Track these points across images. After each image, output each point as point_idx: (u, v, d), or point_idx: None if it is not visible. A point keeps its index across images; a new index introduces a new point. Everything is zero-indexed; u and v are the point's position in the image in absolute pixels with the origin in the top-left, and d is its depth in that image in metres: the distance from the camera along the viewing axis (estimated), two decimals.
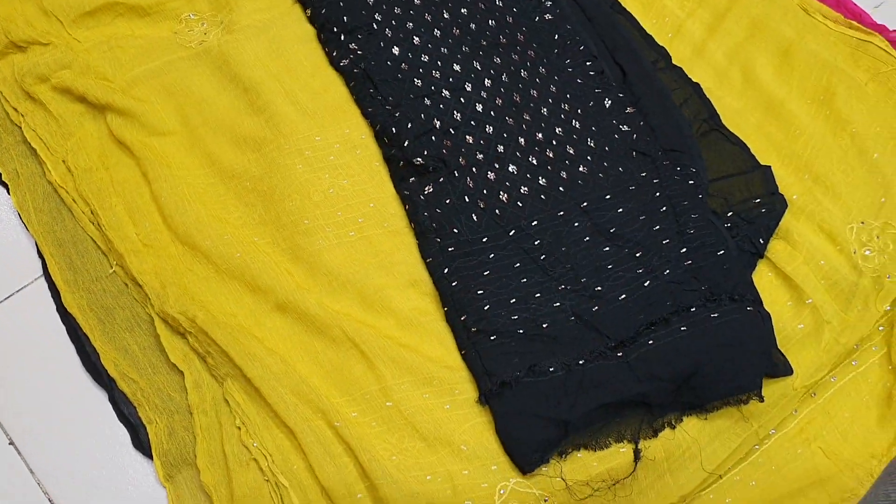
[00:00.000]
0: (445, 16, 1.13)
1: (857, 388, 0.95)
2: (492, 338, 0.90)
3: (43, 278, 1.01)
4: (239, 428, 0.88)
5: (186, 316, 0.92)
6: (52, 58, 1.09)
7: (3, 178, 1.06)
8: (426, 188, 1.00)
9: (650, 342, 0.88)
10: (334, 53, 1.10)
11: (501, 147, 1.03)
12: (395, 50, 1.09)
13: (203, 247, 0.97)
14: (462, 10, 1.14)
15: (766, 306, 0.93)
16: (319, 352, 0.92)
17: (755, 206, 1.01)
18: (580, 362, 0.88)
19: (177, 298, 0.94)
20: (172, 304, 0.93)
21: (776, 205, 1.01)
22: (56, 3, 1.13)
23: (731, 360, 0.88)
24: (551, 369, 0.87)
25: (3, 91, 1.10)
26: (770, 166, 1.04)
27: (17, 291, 1.00)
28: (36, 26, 1.12)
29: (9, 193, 1.05)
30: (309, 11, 1.14)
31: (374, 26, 1.11)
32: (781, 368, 0.91)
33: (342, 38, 1.10)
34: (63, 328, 0.97)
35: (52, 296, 0.99)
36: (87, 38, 1.13)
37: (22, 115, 1.08)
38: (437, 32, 1.11)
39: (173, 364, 0.93)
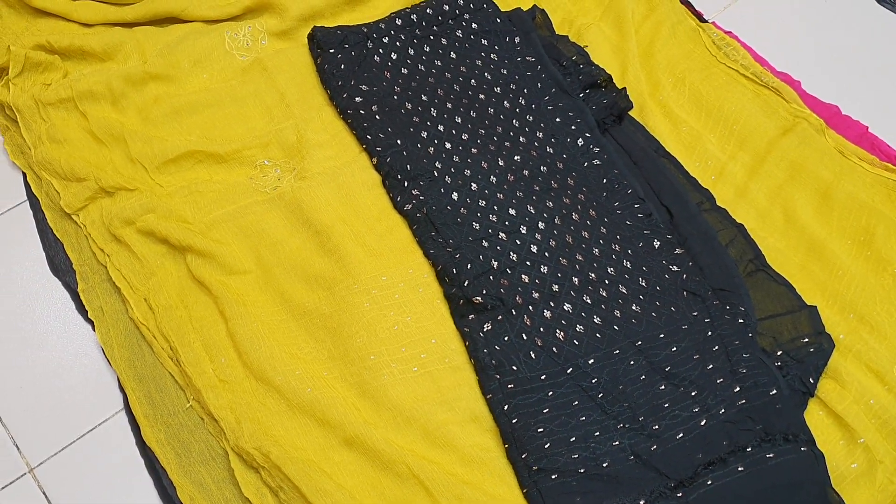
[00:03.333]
0: (500, 163, 1.20)
1: None
2: (553, 476, 0.93)
3: (123, 412, 1.05)
4: None
5: (261, 451, 0.96)
6: (137, 203, 1.17)
7: (90, 315, 1.12)
8: (485, 325, 1.05)
9: (709, 482, 0.91)
10: (398, 199, 1.17)
11: (556, 286, 1.08)
12: (455, 195, 1.16)
13: (275, 382, 1.02)
14: (516, 158, 1.21)
15: (819, 445, 0.95)
16: (386, 487, 0.95)
17: (804, 346, 1.04)
18: (641, 502, 0.90)
19: (251, 434, 0.98)
20: (247, 439, 0.97)
21: (824, 344, 1.04)
22: (141, 152, 1.22)
23: (788, 500, 0.90)
24: None
25: (91, 233, 1.17)
26: (816, 306, 1.08)
27: (100, 424, 1.05)
28: (123, 173, 1.21)
29: (94, 330, 1.11)
30: (374, 160, 1.21)
31: (435, 174, 1.18)
32: None
33: (405, 184, 1.18)
34: (142, 461, 1.02)
35: (132, 429, 1.04)
36: (169, 184, 1.21)
37: (108, 256, 1.15)
38: (492, 179, 1.18)
39: (246, 498, 0.96)
